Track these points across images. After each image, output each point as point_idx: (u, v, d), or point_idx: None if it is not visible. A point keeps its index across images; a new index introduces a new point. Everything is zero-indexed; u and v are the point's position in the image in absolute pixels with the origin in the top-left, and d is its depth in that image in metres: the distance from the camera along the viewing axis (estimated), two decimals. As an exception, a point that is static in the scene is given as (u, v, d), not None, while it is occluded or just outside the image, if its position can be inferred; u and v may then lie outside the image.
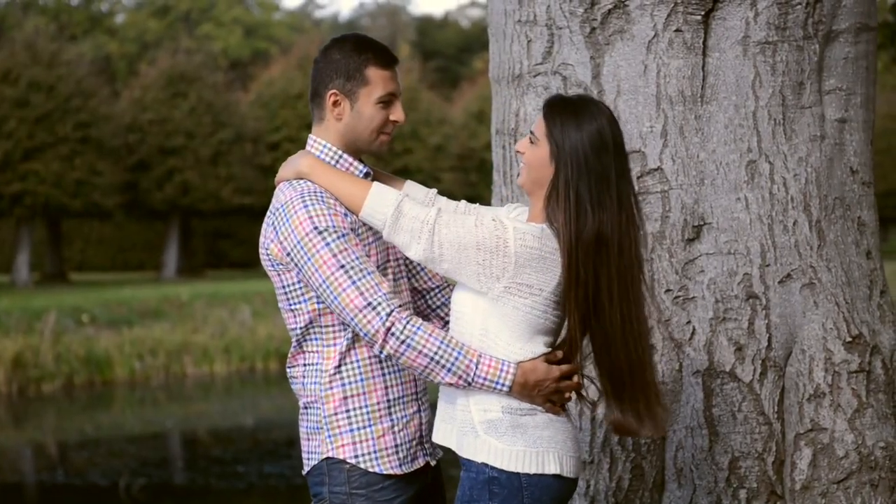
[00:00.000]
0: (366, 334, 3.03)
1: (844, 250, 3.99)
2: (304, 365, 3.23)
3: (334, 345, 3.17)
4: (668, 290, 3.88)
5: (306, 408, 3.24)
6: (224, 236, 43.56)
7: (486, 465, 3.04)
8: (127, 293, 26.47)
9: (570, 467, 3.09)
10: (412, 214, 3.07)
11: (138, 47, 51.27)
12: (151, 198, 35.46)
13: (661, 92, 3.90)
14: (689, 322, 3.87)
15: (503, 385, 3.02)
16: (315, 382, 3.19)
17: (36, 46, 33.10)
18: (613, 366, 3.09)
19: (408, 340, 3.00)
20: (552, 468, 3.05)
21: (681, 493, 3.85)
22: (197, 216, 38.66)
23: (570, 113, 3.07)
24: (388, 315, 3.00)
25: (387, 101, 3.22)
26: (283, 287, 3.19)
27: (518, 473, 3.03)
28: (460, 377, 3.02)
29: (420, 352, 3.00)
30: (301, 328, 3.19)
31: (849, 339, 3.84)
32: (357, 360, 3.17)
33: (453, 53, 58.31)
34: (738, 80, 3.90)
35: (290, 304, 3.20)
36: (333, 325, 3.17)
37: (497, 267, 3.00)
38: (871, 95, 4.17)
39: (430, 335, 3.01)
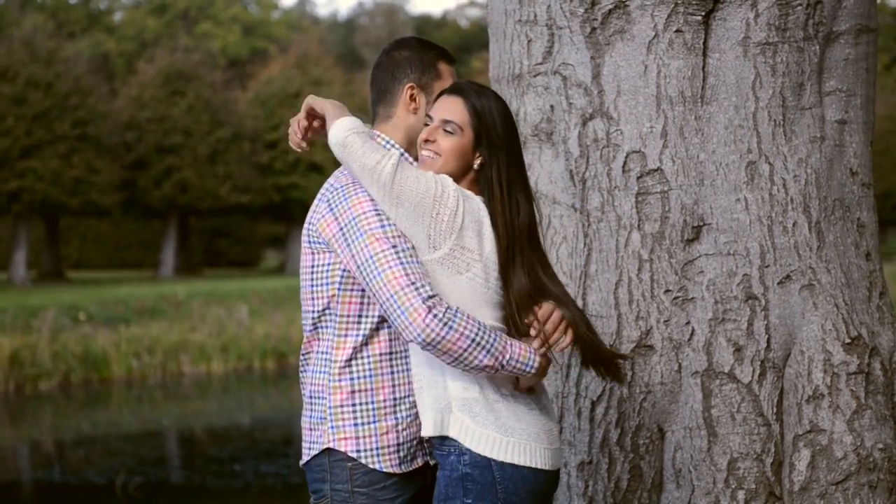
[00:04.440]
0: (403, 312, 3.00)
1: (844, 251, 3.98)
2: (317, 352, 3.24)
3: (345, 336, 3.18)
4: (667, 291, 3.88)
5: (311, 398, 3.25)
6: (222, 235, 43.58)
7: (458, 447, 3.05)
8: (124, 291, 26.47)
9: (545, 459, 3.10)
10: (377, 143, 3.16)
11: (136, 45, 51.27)
12: (149, 196, 35.45)
13: (662, 92, 3.90)
14: (688, 323, 3.87)
15: (532, 367, 3.09)
16: (324, 372, 3.21)
17: (34, 44, 33.09)
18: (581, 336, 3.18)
19: (450, 323, 2.99)
20: (521, 459, 3.06)
21: (679, 494, 3.85)
22: (194, 214, 38.67)
23: (487, 98, 3.17)
24: (430, 297, 3.00)
25: None
26: (313, 266, 3.21)
27: (490, 467, 3.04)
28: (496, 359, 3.04)
29: (462, 334, 3.01)
30: (318, 312, 3.22)
31: (848, 340, 3.84)
32: (368, 356, 3.18)
33: (452, 53, 58.26)
34: (739, 80, 3.90)
35: (313, 285, 3.21)
36: (347, 316, 3.18)
37: (447, 224, 3.04)
38: (871, 97, 4.17)
39: (468, 318, 3.03)
